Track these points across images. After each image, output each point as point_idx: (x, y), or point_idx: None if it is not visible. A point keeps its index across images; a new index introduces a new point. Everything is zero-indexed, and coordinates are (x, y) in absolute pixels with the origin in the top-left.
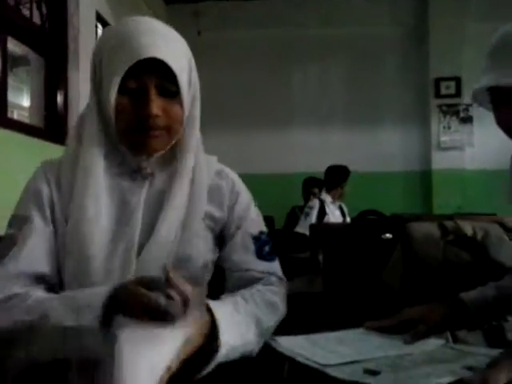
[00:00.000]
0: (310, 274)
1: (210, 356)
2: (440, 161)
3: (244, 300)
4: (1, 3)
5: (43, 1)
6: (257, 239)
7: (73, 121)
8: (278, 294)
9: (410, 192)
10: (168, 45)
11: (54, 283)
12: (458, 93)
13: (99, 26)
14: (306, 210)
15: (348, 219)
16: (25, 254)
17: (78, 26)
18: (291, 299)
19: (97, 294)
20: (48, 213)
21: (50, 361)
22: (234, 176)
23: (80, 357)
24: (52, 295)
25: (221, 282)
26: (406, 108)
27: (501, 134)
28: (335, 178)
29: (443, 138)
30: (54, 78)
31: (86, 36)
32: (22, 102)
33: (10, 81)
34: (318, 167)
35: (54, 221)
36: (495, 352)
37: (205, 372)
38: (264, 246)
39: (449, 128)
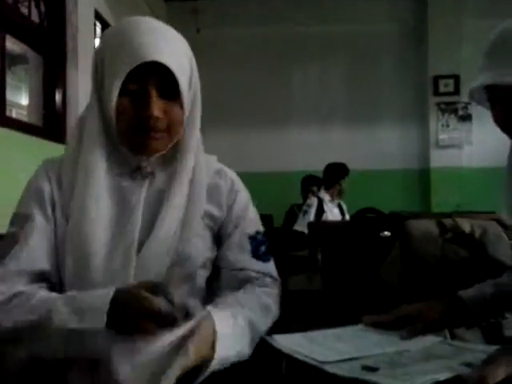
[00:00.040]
0: (309, 271)
1: (202, 367)
2: (438, 159)
3: (241, 306)
4: None
5: None
6: (253, 239)
7: (71, 119)
8: (272, 296)
9: (408, 190)
10: (169, 47)
11: (55, 281)
12: (457, 91)
13: (98, 24)
14: (305, 208)
15: (347, 217)
16: (27, 252)
17: (77, 24)
18: (290, 297)
19: (100, 296)
20: (49, 211)
21: (51, 360)
22: (233, 175)
23: (81, 357)
24: (55, 295)
25: (216, 279)
26: (404, 106)
27: (499, 132)
28: (333, 175)
29: (442, 136)
30: (53, 77)
31: (84, 34)
32: (20, 100)
33: (9, 79)
34: (317, 165)
35: (54, 219)
36: (493, 348)
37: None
38: (260, 246)
39: (447, 126)
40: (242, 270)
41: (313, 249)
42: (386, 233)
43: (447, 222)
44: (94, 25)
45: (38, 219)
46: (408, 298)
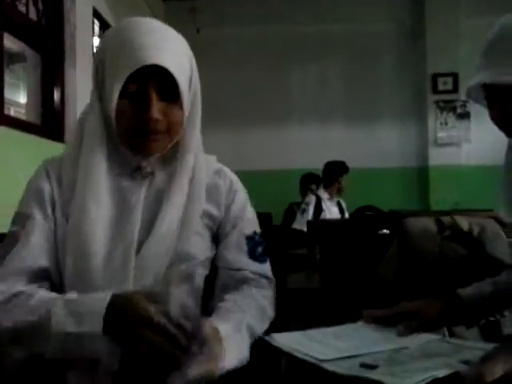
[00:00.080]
0: (308, 270)
1: None
2: (437, 157)
3: (242, 312)
4: None
5: None
6: (250, 239)
7: (70, 117)
8: (268, 298)
9: (407, 188)
10: (169, 48)
11: (55, 279)
12: (455, 89)
13: (96, 22)
14: (303, 206)
15: (347, 215)
16: (27, 250)
17: (75, 22)
18: (289, 295)
19: (97, 300)
20: (49, 211)
21: (51, 359)
22: (232, 175)
23: (80, 358)
24: (55, 296)
25: (213, 278)
26: (403, 104)
27: (497, 130)
28: (332, 173)
29: (440, 134)
30: (51, 75)
31: (82, 32)
32: (18, 98)
33: (7, 77)
34: (316, 164)
35: (54, 219)
36: (492, 346)
37: None
38: (257, 247)
39: (446, 124)
40: (239, 270)
41: (311, 247)
42: (385, 231)
43: (445, 219)
44: (93, 23)
45: (38, 219)
46: (406, 296)
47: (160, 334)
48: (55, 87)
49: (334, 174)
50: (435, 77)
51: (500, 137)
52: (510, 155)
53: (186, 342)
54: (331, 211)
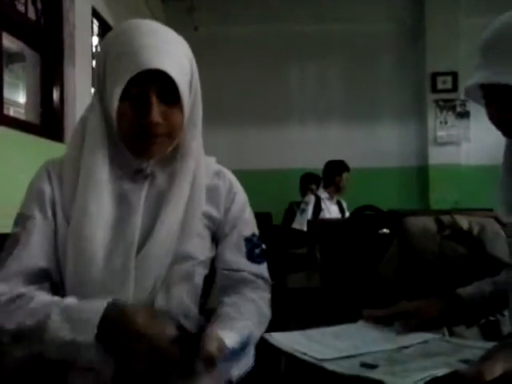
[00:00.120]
0: (308, 269)
1: None
2: (437, 156)
3: (244, 320)
4: None
5: None
6: (249, 241)
7: (69, 117)
8: (265, 300)
9: (406, 187)
10: (170, 51)
11: (56, 280)
12: (455, 88)
13: (95, 21)
14: (302, 206)
15: (347, 215)
16: (27, 251)
17: (74, 21)
18: (289, 294)
19: (93, 309)
20: (50, 213)
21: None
22: (231, 177)
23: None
24: (55, 300)
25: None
26: (402, 103)
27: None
28: (331, 172)
29: (440, 133)
30: (50, 74)
31: (81, 32)
32: (17, 98)
33: (6, 77)
34: (316, 163)
35: (55, 220)
36: (491, 345)
37: None
38: (255, 249)
39: (445, 123)
40: (236, 271)
41: (311, 247)
42: (385, 230)
43: (445, 218)
44: (92, 22)
45: (39, 220)
46: (406, 295)
47: (151, 348)
48: (54, 87)
49: (333, 172)
50: (435, 76)
51: (500, 136)
52: (508, 155)
53: (178, 356)
54: (330, 211)
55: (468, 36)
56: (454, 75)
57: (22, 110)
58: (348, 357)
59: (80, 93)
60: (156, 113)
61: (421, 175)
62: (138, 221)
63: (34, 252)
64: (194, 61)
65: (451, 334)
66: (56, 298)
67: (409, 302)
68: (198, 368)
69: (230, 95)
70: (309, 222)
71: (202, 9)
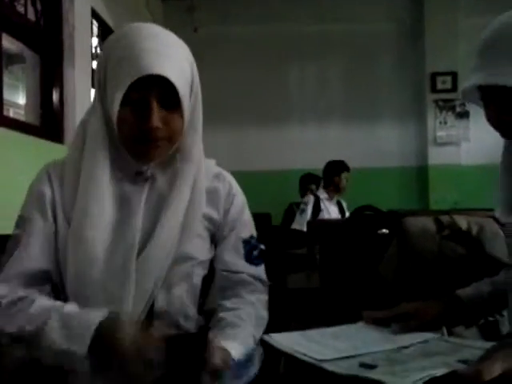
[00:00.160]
0: (307, 270)
1: None
2: (436, 156)
3: (248, 327)
4: None
5: None
6: (247, 243)
7: (69, 118)
8: (263, 302)
9: (406, 187)
10: (171, 54)
11: (56, 281)
12: (454, 88)
13: (94, 22)
14: (302, 206)
15: (347, 215)
16: (27, 253)
17: (73, 22)
18: (288, 295)
19: (88, 320)
20: (50, 215)
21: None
22: (230, 179)
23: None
24: (55, 306)
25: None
26: (402, 104)
27: None
28: (331, 172)
29: (439, 133)
30: (50, 76)
31: (81, 33)
32: (17, 99)
33: (6, 78)
34: (316, 164)
35: (55, 222)
36: (490, 345)
37: None
38: (253, 251)
39: (445, 123)
40: (235, 272)
41: (311, 247)
42: (384, 230)
43: (444, 218)
44: (91, 23)
45: (39, 222)
46: (405, 295)
47: (137, 361)
48: (54, 88)
49: (332, 172)
50: (434, 76)
51: (499, 136)
52: (506, 156)
53: (152, 375)
54: (330, 211)
55: (467, 36)
56: (454, 75)
57: (22, 112)
58: (348, 357)
59: (80, 94)
60: (156, 118)
61: (420, 175)
62: (138, 223)
63: (34, 254)
64: (194, 64)
65: (450, 333)
66: (57, 304)
67: (408, 304)
68: (203, 381)
69: (229, 95)
70: (308, 222)
71: (201, 9)
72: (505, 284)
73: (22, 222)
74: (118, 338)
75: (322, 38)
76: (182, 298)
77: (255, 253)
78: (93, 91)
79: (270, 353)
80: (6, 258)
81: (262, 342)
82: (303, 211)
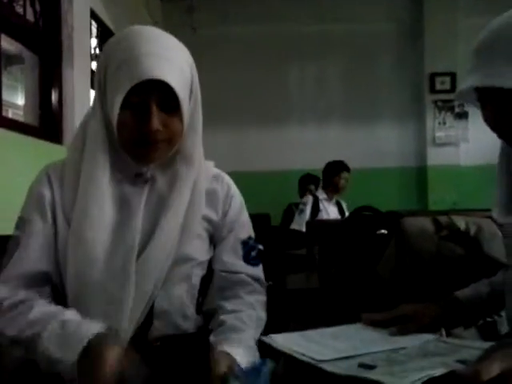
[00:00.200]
0: (307, 270)
1: None
2: (435, 156)
3: (250, 330)
4: None
5: None
6: (245, 244)
7: (68, 119)
8: (261, 303)
9: (405, 188)
10: (170, 57)
11: (56, 282)
12: (453, 88)
13: (93, 23)
14: (301, 207)
15: (347, 215)
16: (27, 255)
17: (72, 23)
18: (288, 295)
19: (82, 333)
20: (49, 216)
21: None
22: (229, 180)
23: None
24: (54, 311)
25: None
26: (401, 104)
27: None
28: (330, 172)
29: (438, 134)
30: (49, 76)
31: (80, 33)
32: (16, 100)
33: (4, 79)
34: (315, 164)
35: (55, 223)
36: (489, 345)
37: None
38: (251, 251)
39: (444, 124)
40: (234, 273)
41: (310, 247)
42: (383, 231)
43: (442, 219)
44: (90, 24)
45: (39, 224)
46: (403, 295)
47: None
48: (53, 89)
49: (331, 173)
50: (433, 76)
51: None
52: (503, 156)
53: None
54: (329, 211)
55: (466, 36)
56: (453, 76)
57: (21, 112)
58: (347, 357)
59: (78, 95)
60: (156, 121)
61: (419, 176)
62: (138, 224)
63: (34, 255)
64: (194, 66)
65: (449, 334)
66: (57, 310)
67: (407, 306)
68: None
69: (229, 96)
70: (307, 222)
71: (201, 9)
72: (503, 284)
73: (21, 223)
74: (99, 361)
75: (321, 37)
76: (182, 299)
77: (253, 253)
78: (92, 92)
79: (269, 353)
80: (6, 259)
81: (261, 343)
82: (302, 211)
